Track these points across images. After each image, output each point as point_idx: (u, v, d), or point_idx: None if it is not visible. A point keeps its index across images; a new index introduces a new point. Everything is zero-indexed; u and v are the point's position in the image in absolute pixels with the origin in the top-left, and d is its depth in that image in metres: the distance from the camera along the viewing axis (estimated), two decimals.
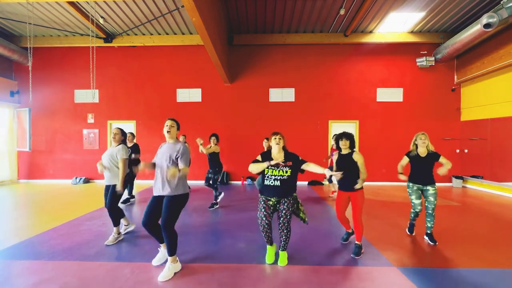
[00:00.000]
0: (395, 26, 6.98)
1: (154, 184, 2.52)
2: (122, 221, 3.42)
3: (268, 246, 2.75)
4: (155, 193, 2.50)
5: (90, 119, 7.95)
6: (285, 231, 2.59)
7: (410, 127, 7.54)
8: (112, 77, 7.89)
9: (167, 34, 7.49)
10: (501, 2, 5.11)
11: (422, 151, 3.24)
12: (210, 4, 4.73)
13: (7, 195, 6.14)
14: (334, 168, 3.04)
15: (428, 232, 3.26)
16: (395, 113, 7.65)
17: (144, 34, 7.51)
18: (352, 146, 3.00)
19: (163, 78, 7.85)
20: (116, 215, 3.21)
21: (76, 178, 7.69)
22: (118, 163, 3.18)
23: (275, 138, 2.65)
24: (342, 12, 6.09)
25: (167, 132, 2.54)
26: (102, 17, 6.43)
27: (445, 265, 2.65)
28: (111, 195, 3.14)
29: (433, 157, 3.21)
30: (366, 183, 7.83)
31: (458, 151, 7.49)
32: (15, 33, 7.55)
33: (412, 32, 7.27)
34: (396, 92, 7.66)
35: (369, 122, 7.67)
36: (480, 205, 5.21)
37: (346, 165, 2.93)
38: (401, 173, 3.37)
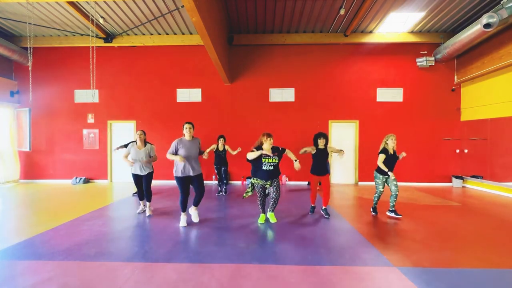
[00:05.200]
0: (395, 26, 6.98)
1: (183, 168, 3.64)
2: (142, 203, 4.52)
3: (261, 214, 4.00)
4: (188, 174, 3.68)
5: (90, 119, 7.95)
6: (276, 201, 3.89)
7: (410, 127, 7.54)
8: (112, 77, 7.88)
9: (167, 34, 7.48)
10: (501, 2, 5.11)
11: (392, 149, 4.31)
12: (210, 4, 4.73)
13: (7, 195, 6.14)
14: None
15: (391, 209, 4.27)
16: (395, 113, 7.65)
17: (144, 34, 7.50)
18: (326, 143, 4.21)
19: (163, 78, 7.84)
20: (150, 194, 4.38)
21: (76, 178, 7.69)
22: (153, 157, 4.35)
23: (270, 140, 3.76)
24: (342, 12, 6.08)
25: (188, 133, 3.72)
26: (102, 17, 6.42)
27: (445, 265, 2.65)
28: (149, 180, 4.33)
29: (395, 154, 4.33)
30: (365, 183, 7.87)
31: (458, 151, 7.49)
32: (15, 33, 7.55)
33: (412, 32, 7.27)
34: (396, 92, 7.66)
35: (369, 122, 7.66)
36: (480, 205, 5.21)
37: (322, 157, 4.18)
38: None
